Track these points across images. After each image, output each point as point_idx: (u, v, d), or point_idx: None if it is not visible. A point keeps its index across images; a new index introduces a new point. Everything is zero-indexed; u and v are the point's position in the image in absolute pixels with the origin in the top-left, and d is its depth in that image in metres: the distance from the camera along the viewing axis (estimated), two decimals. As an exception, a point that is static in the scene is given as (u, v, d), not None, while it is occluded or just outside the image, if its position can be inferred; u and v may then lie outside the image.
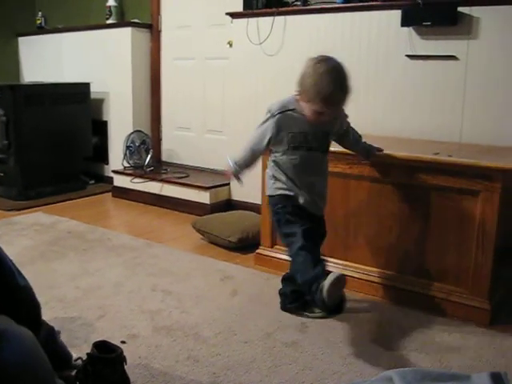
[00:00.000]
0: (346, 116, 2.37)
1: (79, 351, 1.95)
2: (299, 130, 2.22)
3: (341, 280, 1.97)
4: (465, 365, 2.01)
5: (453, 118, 3.06)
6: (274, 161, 2.31)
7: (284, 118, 2.22)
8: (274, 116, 2.22)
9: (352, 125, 2.40)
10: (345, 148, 2.51)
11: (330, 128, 2.31)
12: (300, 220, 2.23)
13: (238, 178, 2.33)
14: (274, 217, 2.35)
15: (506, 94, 2.89)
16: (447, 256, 2.44)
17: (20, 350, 1.23)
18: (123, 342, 2.08)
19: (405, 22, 3.09)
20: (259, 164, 2.98)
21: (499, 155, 2.54)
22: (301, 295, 2.36)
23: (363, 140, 2.49)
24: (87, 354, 1.71)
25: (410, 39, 3.13)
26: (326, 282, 1.93)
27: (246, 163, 2.30)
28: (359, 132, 2.48)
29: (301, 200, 2.26)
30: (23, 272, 1.69)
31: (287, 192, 2.27)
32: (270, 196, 2.35)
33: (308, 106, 2.13)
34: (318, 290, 1.95)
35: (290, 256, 2.23)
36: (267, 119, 2.25)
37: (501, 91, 2.90)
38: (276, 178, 2.30)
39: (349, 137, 2.43)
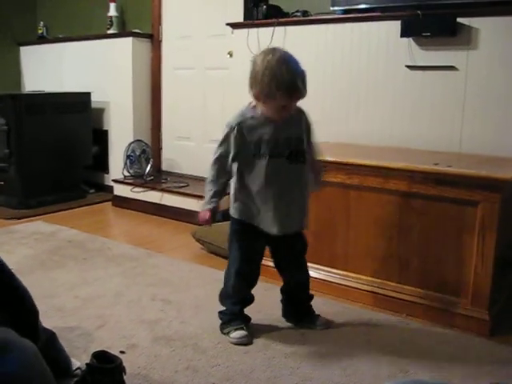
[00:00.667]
0: (311, 124, 2.24)
1: (78, 361, 1.94)
2: (262, 136, 2.10)
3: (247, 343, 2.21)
4: (465, 376, 2.01)
5: (452, 128, 3.07)
6: (237, 174, 2.19)
7: (244, 127, 2.10)
8: (233, 128, 2.10)
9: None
10: None
11: (298, 131, 2.17)
12: (251, 245, 2.26)
13: (214, 217, 2.21)
14: (230, 230, 2.32)
15: (506, 105, 2.90)
16: (447, 266, 2.44)
17: (22, 362, 1.23)
18: (122, 352, 2.08)
19: (404, 33, 3.11)
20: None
21: (499, 165, 2.55)
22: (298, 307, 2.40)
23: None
24: (86, 364, 1.71)
25: (409, 50, 3.15)
26: (233, 337, 2.23)
27: (219, 193, 2.21)
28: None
29: (261, 225, 2.18)
30: (23, 281, 1.69)
31: (245, 218, 2.21)
32: (231, 215, 2.29)
33: (269, 103, 2.03)
34: (226, 332, 2.26)
35: (226, 272, 2.34)
36: (227, 135, 2.12)
37: (500, 102, 2.91)
38: (236, 197, 2.23)
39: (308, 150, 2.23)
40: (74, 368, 1.80)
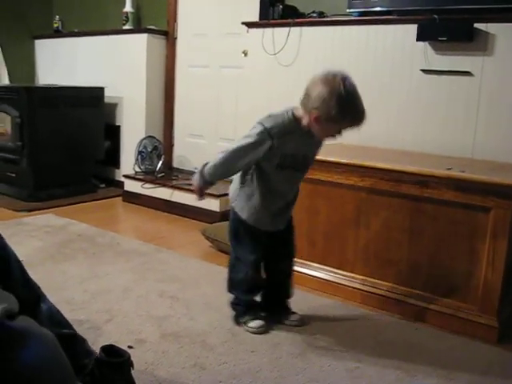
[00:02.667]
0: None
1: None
2: (291, 151, 2.13)
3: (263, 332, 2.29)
4: (473, 382, 2.00)
5: (465, 134, 3.06)
6: (253, 178, 2.21)
7: (281, 142, 2.09)
8: (273, 139, 2.07)
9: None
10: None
11: (316, 151, 2.27)
12: (257, 246, 2.30)
13: (202, 193, 2.26)
14: (232, 226, 2.35)
15: (520, 112, 2.89)
16: (457, 272, 2.43)
17: (40, 353, 1.21)
18: (130, 347, 2.08)
19: (420, 37, 3.10)
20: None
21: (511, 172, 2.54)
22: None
23: None
24: (95, 358, 1.71)
25: (425, 54, 3.14)
26: (251, 326, 2.29)
27: (220, 175, 2.23)
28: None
29: (268, 227, 2.28)
30: (32, 272, 1.70)
31: (256, 223, 2.25)
32: (238, 213, 2.29)
33: (326, 126, 2.01)
34: (244, 321, 2.32)
35: (232, 263, 2.39)
36: (263, 140, 2.07)
37: (515, 108, 2.90)
38: (249, 200, 2.24)
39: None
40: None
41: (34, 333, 1.25)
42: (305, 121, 2.05)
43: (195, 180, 2.23)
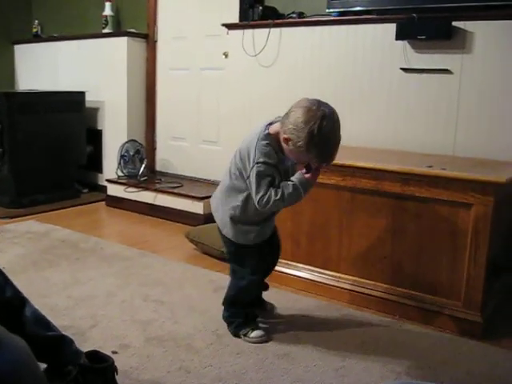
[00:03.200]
0: None
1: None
2: (284, 167, 2.13)
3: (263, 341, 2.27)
4: (457, 378, 2.01)
5: (446, 131, 3.08)
6: (247, 201, 2.16)
7: (279, 161, 2.08)
8: (275, 166, 2.07)
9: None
10: None
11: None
12: (261, 261, 2.30)
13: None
14: (232, 248, 2.31)
15: (500, 108, 2.91)
16: (440, 269, 2.44)
17: (12, 359, 1.22)
18: (115, 352, 2.07)
19: (400, 36, 3.11)
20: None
21: (492, 168, 2.56)
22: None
23: None
24: (78, 363, 1.70)
25: (404, 52, 3.16)
26: (253, 337, 2.26)
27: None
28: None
29: (268, 235, 2.31)
30: (15, 280, 1.69)
31: (261, 239, 2.26)
32: (240, 243, 2.25)
33: (298, 154, 1.99)
34: (244, 333, 2.28)
35: (237, 278, 2.32)
36: (270, 172, 2.06)
37: (494, 105, 2.92)
38: (247, 224, 2.22)
39: None
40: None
41: (5, 339, 1.25)
42: (280, 136, 2.03)
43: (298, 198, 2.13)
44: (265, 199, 2.05)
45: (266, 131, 2.08)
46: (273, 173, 2.06)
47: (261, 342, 2.24)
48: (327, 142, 1.94)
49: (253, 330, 2.27)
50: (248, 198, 2.14)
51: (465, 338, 2.33)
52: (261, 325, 2.34)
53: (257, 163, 2.05)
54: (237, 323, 2.30)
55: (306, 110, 1.92)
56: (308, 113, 1.92)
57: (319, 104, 1.95)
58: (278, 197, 2.03)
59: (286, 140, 1.98)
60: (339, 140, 1.98)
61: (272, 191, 2.04)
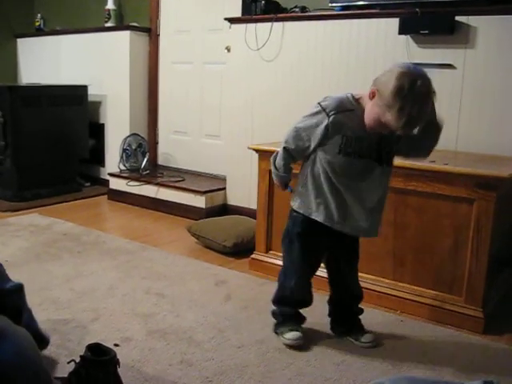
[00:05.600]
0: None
1: (72, 353, 1.95)
2: (354, 134, 1.96)
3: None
4: (458, 372, 2.01)
5: (449, 126, 3.06)
6: (316, 170, 2.03)
7: (340, 118, 1.95)
8: (329, 116, 1.94)
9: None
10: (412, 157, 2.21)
11: (391, 138, 1.99)
12: (317, 247, 2.14)
13: (284, 185, 2.16)
14: (287, 230, 2.18)
15: (502, 103, 2.90)
16: (442, 263, 2.44)
17: (16, 350, 1.23)
18: (116, 345, 2.08)
19: (403, 30, 3.10)
20: (253, 169, 3.00)
21: (495, 164, 2.56)
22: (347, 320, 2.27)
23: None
24: (80, 356, 1.71)
25: (407, 47, 3.15)
26: (287, 338, 2.16)
27: (286, 160, 2.09)
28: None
29: (337, 226, 2.04)
30: (18, 272, 1.69)
31: (326, 221, 2.03)
32: (299, 213, 2.10)
33: (380, 113, 1.84)
34: (280, 332, 2.20)
35: (282, 274, 2.22)
36: (318, 117, 1.96)
37: (497, 100, 2.91)
38: (318, 196, 2.03)
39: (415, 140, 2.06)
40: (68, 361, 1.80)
41: (8, 330, 1.26)
42: (364, 97, 1.95)
43: (273, 174, 2.16)
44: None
45: (350, 93, 2.01)
46: (317, 130, 1.96)
47: (294, 345, 2.14)
48: (415, 99, 1.78)
49: (290, 330, 2.17)
50: (322, 161, 2.01)
51: (466, 333, 2.33)
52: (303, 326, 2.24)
53: (317, 103, 2.03)
54: (277, 321, 2.25)
55: (403, 69, 1.82)
56: (405, 70, 1.82)
57: (419, 68, 1.87)
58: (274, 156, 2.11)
59: (373, 93, 1.87)
60: (426, 111, 1.84)
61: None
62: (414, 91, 1.78)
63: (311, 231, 2.09)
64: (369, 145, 1.97)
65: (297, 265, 2.16)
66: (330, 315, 2.30)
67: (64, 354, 2.00)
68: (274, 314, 2.27)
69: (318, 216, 2.04)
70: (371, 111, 1.89)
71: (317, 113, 1.99)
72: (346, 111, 1.96)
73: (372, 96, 1.88)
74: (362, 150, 1.97)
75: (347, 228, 2.05)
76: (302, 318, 2.25)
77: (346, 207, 2.02)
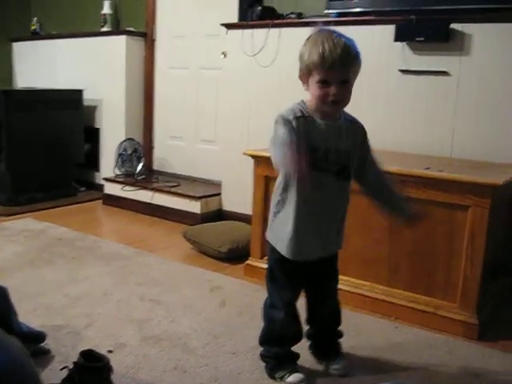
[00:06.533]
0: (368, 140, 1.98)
1: (65, 360, 1.94)
2: (321, 145, 1.82)
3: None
4: (452, 380, 2.01)
5: (444, 133, 3.08)
6: (282, 193, 1.90)
7: (303, 123, 1.81)
8: (290, 122, 1.79)
9: None
10: (362, 188, 2.05)
11: (350, 143, 1.90)
12: (293, 285, 1.99)
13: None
14: (268, 264, 2.06)
15: (496, 111, 2.91)
16: (436, 270, 2.45)
17: (9, 359, 1.22)
18: (110, 352, 2.07)
19: (398, 37, 3.11)
20: (249, 175, 2.99)
21: (489, 171, 2.57)
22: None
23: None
24: (74, 362, 1.70)
25: (403, 54, 3.16)
26: (290, 382, 1.93)
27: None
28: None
29: (306, 256, 1.92)
30: (11, 278, 1.68)
31: (292, 253, 1.90)
32: (271, 245, 1.99)
33: (312, 83, 1.78)
34: (280, 376, 1.95)
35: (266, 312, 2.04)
36: (284, 124, 1.77)
37: (491, 108, 2.92)
38: (284, 225, 1.90)
39: (366, 168, 1.96)
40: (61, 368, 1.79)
41: (2, 340, 1.25)
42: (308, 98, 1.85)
43: (278, 157, 1.73)
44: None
45: (300, 100, 1.91)
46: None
47: None
48: (318, 40, 1.76)
49: (290, 373, 1.94)
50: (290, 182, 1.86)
51: (461, 340, 2.33)
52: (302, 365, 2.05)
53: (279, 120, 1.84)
54: (271, 364, 2.00)
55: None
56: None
57: None
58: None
59: (301, 78, 1.85)
60: (339, 41, 1.75)
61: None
62: (310, 38, 1.81)
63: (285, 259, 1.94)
64: (334, 156, 1.86)
65: (283, 292, 1.98)
66: (309, 338, 2.13)
67: (57, 360, 1.99)
68: (264, 357, 2.04)
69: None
70: (312, 87, 1.80)
71: (279, 122, 1.81)
72: (300, 117, 1.83)
73: (301, 80, 1.85)
74: (330, 163, 1.86)
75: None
76: (296, 355, 2.02)
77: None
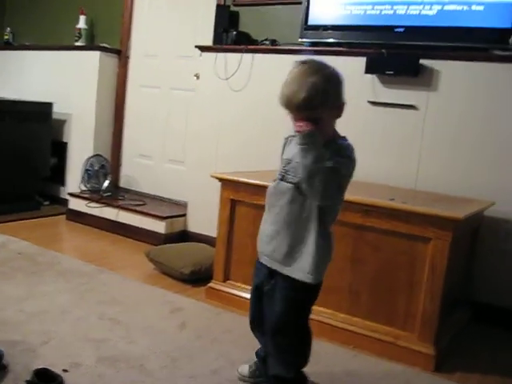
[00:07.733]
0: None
1: (19, 377, 1.90)
2: (287, 155, 1.92)
3: None
4: (407, 411, 2.03)
5: (409, 166, 3.14)
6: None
7: (286, 142, 1.97)
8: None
9: None
10: None
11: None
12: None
13: None
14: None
15: (462, 146, 2.99)
16: (397, 300, 2.47)
17: None
18: (65, 371, 2.02)
19: (369, 70, 3.18)
20: (215, 197, 2.99)
21: (452, 204, 2.62)
22: None
23: None
24: (26, 381, 1.66)
25: (373, 86, 3.22)
26: None
27: None
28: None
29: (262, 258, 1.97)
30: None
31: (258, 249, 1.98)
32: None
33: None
34: None
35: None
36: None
37: (456, 142, 3.00)
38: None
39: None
40: None
41: None
42: None
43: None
44: None
45: None
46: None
47: None
48: (289, 81, 1.82)
49: None
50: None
51: (418, 371, 2.35)
52: None
53: None
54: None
55: None
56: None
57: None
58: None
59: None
60: (300, 79, 1.79)
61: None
62: (291, 70, 1.84)
63: None
64: (291, 167, 1.89)
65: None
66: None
67: (10, 377, 1.93)
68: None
69: None
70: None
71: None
72: (291, 136, 1.92)
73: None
74: (284, 170, 1.91)
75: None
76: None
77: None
